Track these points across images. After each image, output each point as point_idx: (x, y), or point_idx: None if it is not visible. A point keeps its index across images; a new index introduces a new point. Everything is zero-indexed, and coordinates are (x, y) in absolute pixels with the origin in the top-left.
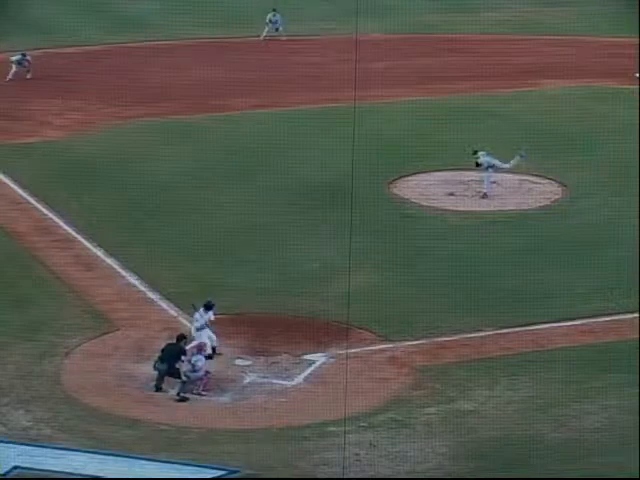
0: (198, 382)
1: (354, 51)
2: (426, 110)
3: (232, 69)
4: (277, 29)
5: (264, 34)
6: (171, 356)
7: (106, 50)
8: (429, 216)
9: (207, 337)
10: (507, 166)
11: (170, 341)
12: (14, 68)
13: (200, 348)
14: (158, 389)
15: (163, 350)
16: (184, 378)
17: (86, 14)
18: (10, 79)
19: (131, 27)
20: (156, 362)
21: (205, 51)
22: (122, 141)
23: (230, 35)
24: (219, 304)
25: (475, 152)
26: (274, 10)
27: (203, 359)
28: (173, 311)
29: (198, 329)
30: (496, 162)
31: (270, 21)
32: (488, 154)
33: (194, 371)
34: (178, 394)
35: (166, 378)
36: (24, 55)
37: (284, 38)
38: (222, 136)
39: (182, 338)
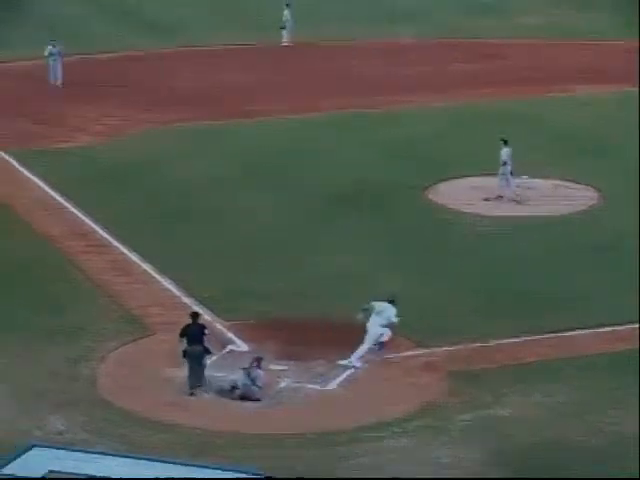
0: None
1: (386, 56)
2: (458, 115)
3: (264, 74)
4: (283, 27)
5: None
6: (195, 339)
7: (140, 56)
8: (464, 222)
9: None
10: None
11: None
12: (50, 64)
13: (259, 361)
14: (193, 390)
15: (186, 333)
16: (240, 390)
17: (120, 20)
18: (54, 84)
19: (164, 32)
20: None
21: (238, 56)
22: (155, 146)
23: (260, 40)
24: (252, 308)
25: (505, 142)
26: (287, 5)
27: (262, 374)
28: (207, 316)
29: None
30: (509, 161)
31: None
32: (509, 152)
33: (253, 385)
34: (192, 389)
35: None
36: (53, 46)
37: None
38: (254, 141)
39: (196, 316)
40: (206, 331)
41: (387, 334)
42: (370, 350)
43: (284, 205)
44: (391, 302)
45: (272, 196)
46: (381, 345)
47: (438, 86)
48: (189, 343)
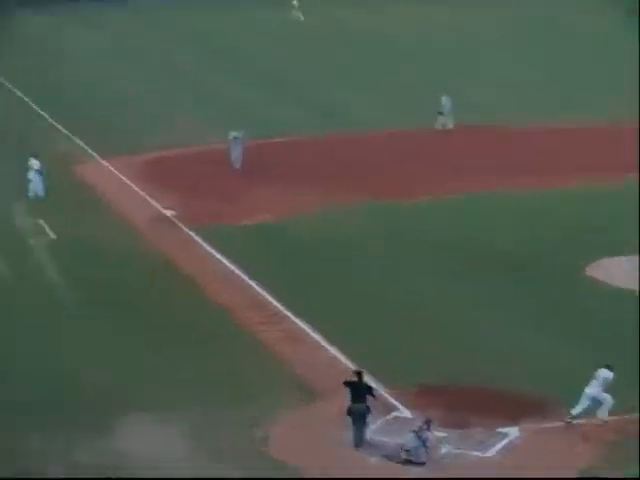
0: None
1: (543, 138)
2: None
3: (422, 155)
4: (441, 112)
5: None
6: (359, 396)
7: (312, 139)
8: (623, 297)
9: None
10: None
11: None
12: (232, 148)
13: (429, 424)
14: (358, 447)
15: (351, 389)
16: (409, 452)
17: (297, 107)
18: (235, 167)
19: (334, 116)
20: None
21: (400, 138)
22: (326, 224)
23: (418, 123)
24: (415, 376)
25: None
26: (445, 92)
27: (432, 436)
28: (372, 383)
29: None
30: None
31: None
32: None
33: (423, 446)
34: (357, 446)
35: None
36: (236, 131)
37: (441, 126)
38: (419, 219)
39: (361, 375)
40: (374, 392)
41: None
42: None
43: (444, 276)
44: (608, 367)
45: (428, 265)
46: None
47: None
48: (353, 400)
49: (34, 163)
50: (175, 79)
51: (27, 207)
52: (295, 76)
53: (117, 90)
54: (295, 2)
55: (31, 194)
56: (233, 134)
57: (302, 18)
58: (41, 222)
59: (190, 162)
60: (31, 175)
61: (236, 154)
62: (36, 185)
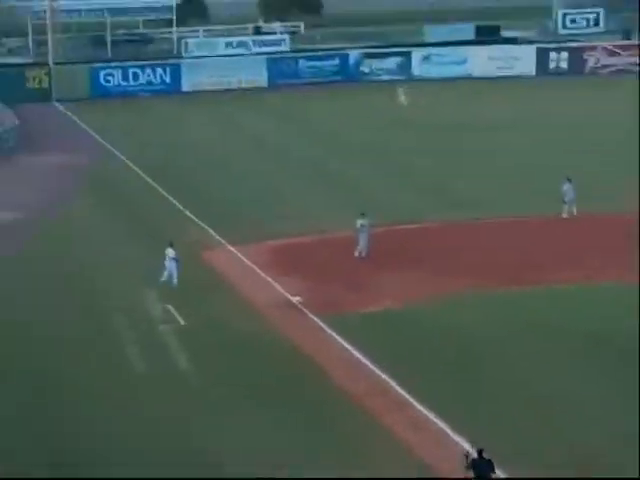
0: None
1: None
2: None
3: (549, 245)
4: (564, 201)
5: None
6: (483, 474)
7: (438, 227)
8: None
9: None
10: None
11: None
12: (359, 235)
13: None
14: None
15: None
16: None
17: (422, 193)
18: (360, 254)
19: (463, 205)
20: None
21: (525, 226)
22: (455, 311)
23: (547, 212)
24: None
25: None
26: (569, 180)
27: None
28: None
29: None
30: None
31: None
32: None
33: None
34: None
35: None
36: (363, 219)
37: (566, 214)
38: (530, 309)
39: (482, 452)
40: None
41: None
42: None
43: (580, 367)
44: None
45: (568, 359)
46: None
47: None
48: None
49: (170, 252)
50: (300, 167)
51: (157, 293)
52: (417, 161)
53: (245, 178)
54: (400, 89)
55: (164, 279)
56: (360, 222)
57: (405, 103)
58: (170, 308)
59: (317, 249)
60: (167, 263)
61: (363, 241)
62: (170, 273)
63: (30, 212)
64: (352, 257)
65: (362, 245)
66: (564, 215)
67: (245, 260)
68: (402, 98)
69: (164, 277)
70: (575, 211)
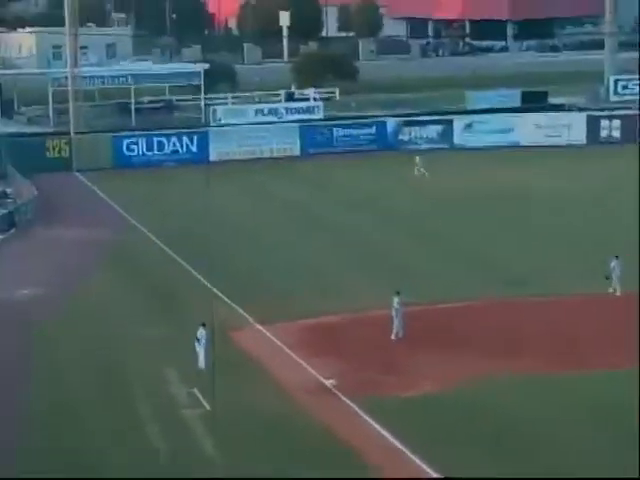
0: None
1: None
2: None
3: (604, 323)
4: (610, 278)
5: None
6: None
7: (483, 305)
8: None
9: None
10: None
11: None
12: (396, 314)
13: None
14: None
15: None
16: None
17: (461, 267)
18: (397, 335)
19: (512, 282)
20: None
21: (587, 306)
22: (497, 394)
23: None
24: None
25: None
26: (616, 257)
27: None
28: None
29: None
30: None
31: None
32: None
33: None
34: None
35: None
36: (399, 304)
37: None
38: (577, 392)
39: None
40: None
41: None
42: None
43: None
44: None
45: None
46: None
47: None
48: None
49: (201, 333)
50: (335, 239)
51: (182, 375)
52: (457, 234)
53: (275, 251)
54: (418, 159)
55: (201, 366)
56: (396, 299)
57: (427, 174)
58: (195, 391)
59: (351, 328)
60: (197, 345)
61: (398, 321)
62: (200, 355)
63: (49, 288)
64: (388, 337)
65: (397, 325)
66: (610, 290)
67: (275, 340)
68: (418, 168)
69: (201, 363)
70: (619, 290)
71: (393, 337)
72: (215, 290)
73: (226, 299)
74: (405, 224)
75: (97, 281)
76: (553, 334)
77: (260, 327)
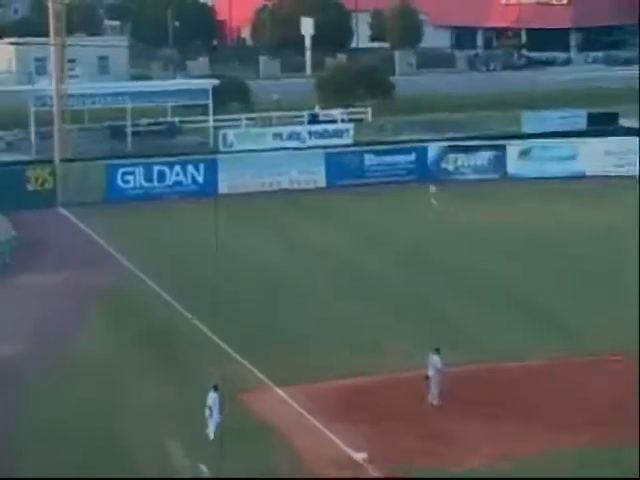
0: None
1: None
2: None
3: None
4: None
5: None
6: None
7: (539, 365)
8: None
9: None
10: None
11: None
12: (433, 377)
13: None
14: None
15: None
16: None
17: (520, 321)
18: (432, 399)
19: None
20: None
21: None
22: (549, 470)
23: None
24: None
25: None
26: None
27: None
28: None
29: None
30: None
31: None
32: None
33: None
34: None
35: None
36: (438, 368)
37: None
38: None
39: None
40: None
41: None
42: None
43: None
44: None
45: None
46: None
47: None
48: None
49: (212, 397)
50: (365, 286)
51: (187, 447)
52: (512, 280)
53: (295, 301)
54: (432, 187)
55: (212, 433)
56: (436, 357)
57: (436, 204)
58: (203, 468)
59: (383, 391)
60: (207, 412)
61: (436, 383)
62: (211, 424)
63: (31, 344)
64: (427, 402)
65: (434, 388)
66: None
67: (295, 405)
68: (433, 200)
69: (210, 430)
70: None
71: (432, 402)
72: (225, 346)
73: (238, 357)
74: (448, 270)
75: (88, 336)
76: (621, 400)
77: (278, 389)
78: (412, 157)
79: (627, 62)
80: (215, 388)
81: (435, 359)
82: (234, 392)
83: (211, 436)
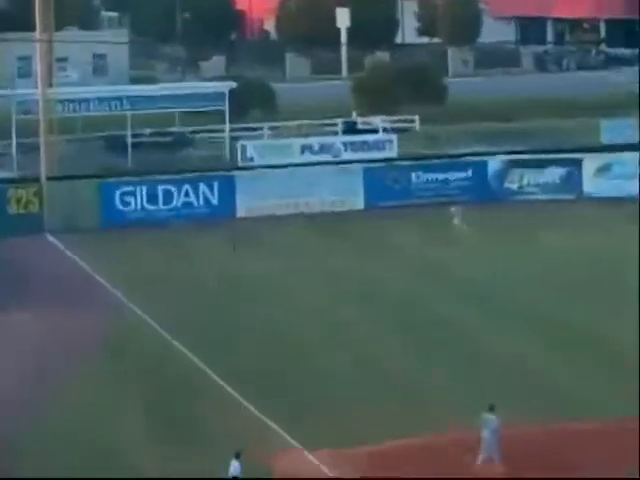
0: None
1: None
2: None
3: None
4: None
5: None
6: None
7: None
8: None
9: None
10: None
11: None
12: (485, 436)
13: None
14: None
15: None
16: None
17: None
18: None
19: None
20: None
21: None
22: None
23: None
24: None
25: None
26: None
27: None
28: None
29: None
30: None
31: None
32: None
33: None
34: None
35: None
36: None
37: None
38: None
39: None
40: None
41: None
42: None
43: None
44: None
45: None
46: None
47: None
48: None
49: (235, 467)
50: (411, 326)
51: None
52: (572, 320)
53: (328, 348)
54: (454, 209)
55: None
56: (487, 416)
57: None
58: None
59: (425, 456)
60: None
61: (487, 445)
62: None
63: (14, 398)
64: (475, 465)
65: (485, 450)
66: None
67: (326, 471)
68: (456, 221)
69: None
70: None
71: (485, 463)
72: (247, 404)
73: (263, 417)
74: (513, 309)
75: (79, 391)
76: None
77: (308, 454)
78: (469, 173)
79: None
80: (237, 456)
81: (487, 418)
82: (260, 458)
83: None
